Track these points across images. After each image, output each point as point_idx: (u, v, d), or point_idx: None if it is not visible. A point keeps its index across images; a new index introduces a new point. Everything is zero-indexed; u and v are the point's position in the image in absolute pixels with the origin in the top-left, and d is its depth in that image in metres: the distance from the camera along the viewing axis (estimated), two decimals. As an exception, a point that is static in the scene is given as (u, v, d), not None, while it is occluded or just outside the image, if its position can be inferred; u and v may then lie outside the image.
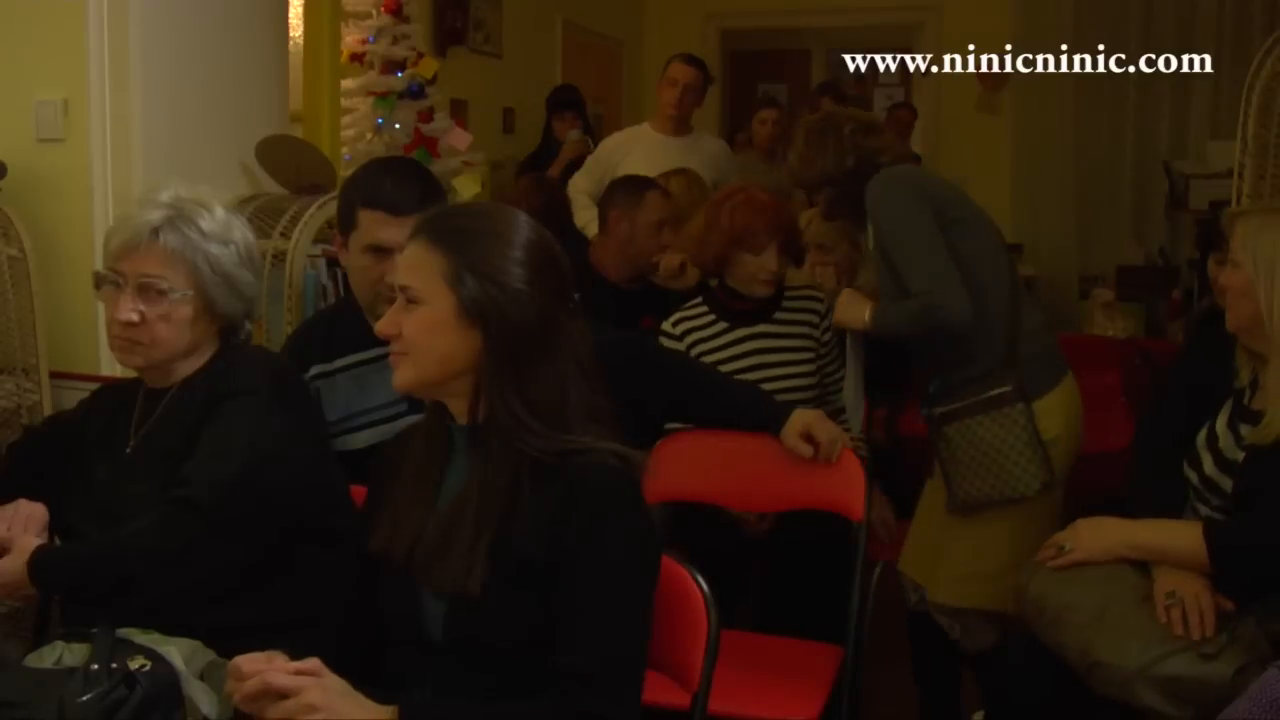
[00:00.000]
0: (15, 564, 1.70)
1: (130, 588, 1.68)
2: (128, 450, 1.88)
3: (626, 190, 3.37)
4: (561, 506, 1.46)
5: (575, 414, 1.52)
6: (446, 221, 1.56)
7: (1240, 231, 2.01)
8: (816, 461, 2.32)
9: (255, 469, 1.75)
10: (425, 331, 1.51)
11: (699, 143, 4.50)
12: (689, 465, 2.44)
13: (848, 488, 2.34)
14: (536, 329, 1.51)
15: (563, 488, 1.47)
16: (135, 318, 1.81)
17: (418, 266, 1.52)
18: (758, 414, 2.40)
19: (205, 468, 1.74)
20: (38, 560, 1.71)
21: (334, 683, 1.37)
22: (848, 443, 2.36)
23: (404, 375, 1.55)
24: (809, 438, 2.32)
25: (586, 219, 4.19)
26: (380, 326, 1.55)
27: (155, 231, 1.82)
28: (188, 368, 1.89)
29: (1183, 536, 1.95)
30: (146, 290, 1.82)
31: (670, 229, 3.28)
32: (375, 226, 2.09)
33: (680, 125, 4.44)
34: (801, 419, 2.35)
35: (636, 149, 4.33)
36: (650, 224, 3.27)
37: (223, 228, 1.88)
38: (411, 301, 1.52)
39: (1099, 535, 2.03)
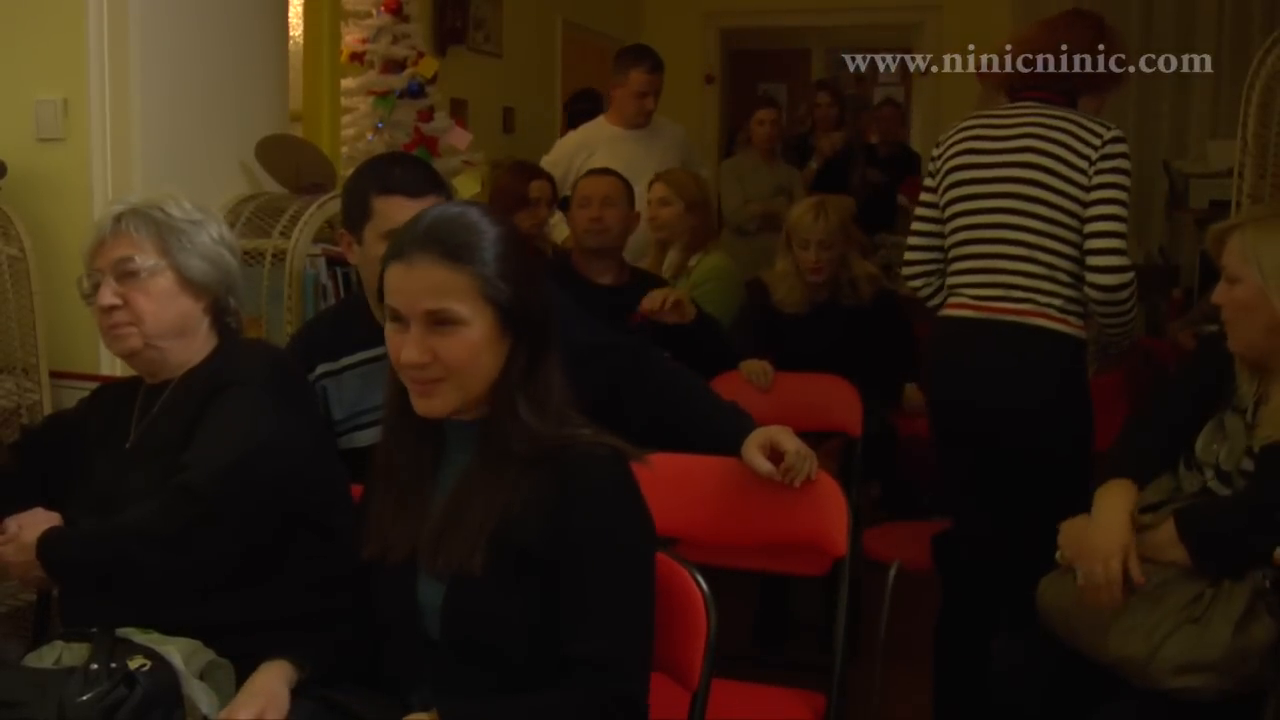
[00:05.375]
0: (26, 540, 1.73)
1: (128, 571, 1.69)
2: (127, 445, 1.89)
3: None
4: (558, 499, 1.47)
5: (563, 405, 1.54)
6: (454, 237, 1.49)
7: (1235, 246, 1.96)
8: (780, 482, 2.04)
9: (253, 456, 1.76)
10: (472, 354, 1.48)
11: (660, 130, 4.41)
12: (647, 495, 2.24)
13: (827, 518, 2.07)
14: (547, 324, 1.53)
15: (558, 479, 1.48)
16: (117, 301, 1.84)
17: (446, 288, 1.46)
18: (730, 434, 2.12)
19: (204, 455, 1.75)
20: (46, 538, 1.73)
21: None
22: (812, 471, 2.07)
23: (446, 401, 1.50)
24: (771, 451, 2.06)
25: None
26: (411, 357, 1.48)
27: (118, 220, 1.87)
28: (185, 358, 1.90)
29: (1160, 531, 1.93)
30: (121, 274, 1.85)
31: (600, 205, 3.27)
32: (395, 210, 2.07)
33: (643, 120, 4.38)
34: (764, 431, 2.08)
35: (599, 147, 4.26)
36: (579, 199, 3.32)
37: (191, 213, 1.91)
38: (445, 323, 1.47)
39: (1080, 539, 1.97)
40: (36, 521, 1.78)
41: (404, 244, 1.50)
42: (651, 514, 1.56)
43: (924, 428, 3.82)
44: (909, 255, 2.85)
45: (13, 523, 1.79)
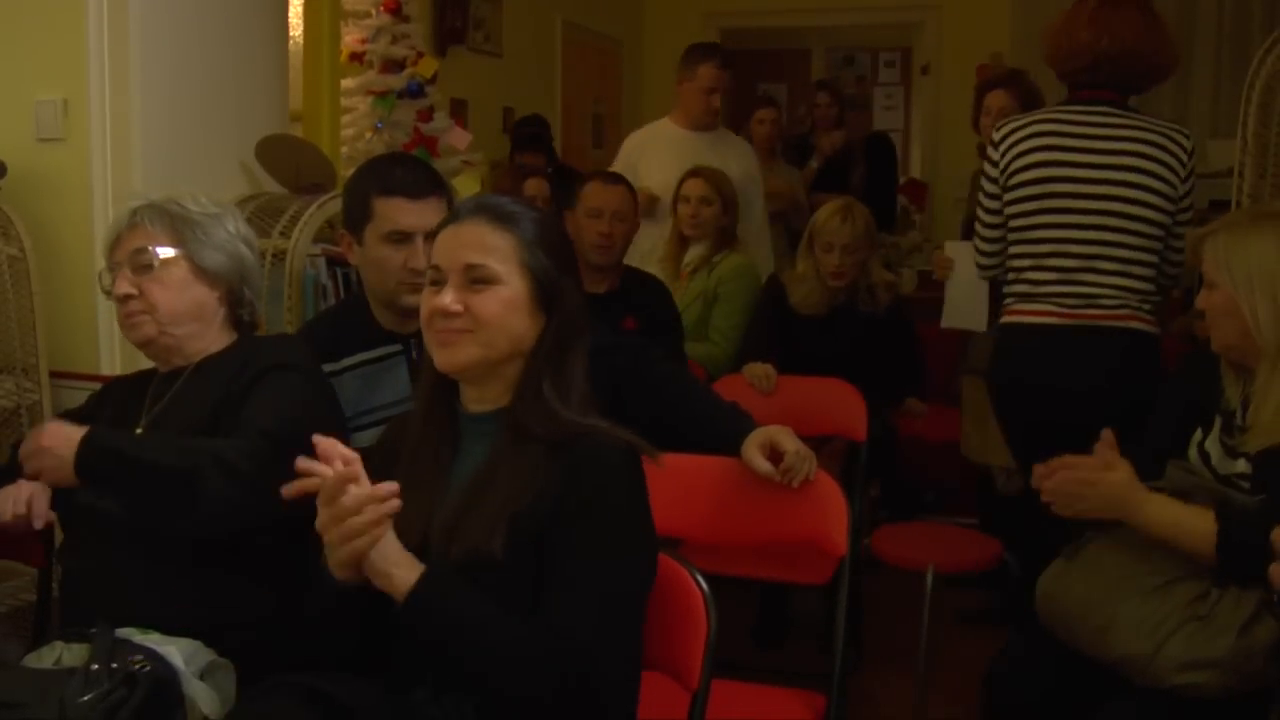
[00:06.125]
0: (71, 437, 1.76)
1: (189, 486, 1.69)
2: (139, 431, 1.91)
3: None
4: (565, 478, 1.49)
5: (584, 400, 1.56)
6: (503, 205, 1.58)
7: (1209, 253, 1.99)
8: (779, 482, 2.05)
9: (304, 421, 1.75)
10: (504, 310, 1.53)
11: (724, 138, 4.28)
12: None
13: (827, 518, 2.06)
14: (579, 318, 1.57)
15: (570, 462, 1.50)
16: (132, 290, 1.90)
17: (489, 246, 1.54)
18: (730, 434, 2.13)
19: (266, 415, 1.79)
20: (95, 431, 1.77)
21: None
22: (811, 471, 2.07)
23: (466, 353, 1.54)
24: (771, 452, 2.07)
25: None
26: (444, 302, 1.52)
27: (134, 214, 1.93)
28: (200, 346, 1.94)
29: (1200, 521, 1.85)
30: (136, 265, 1.91)
31: (611, 220, 3.21)
32: (395, 212, 2.11)
33: (710, 121, 4.22)
34: (764, 431, 2.09)
35: (658, 145, 4.16)
36: (588, 209, 3.24)
37: (207, 207, 1.97)
38: (482, 281, 1.53)
39: (1111, 500, 1.90)
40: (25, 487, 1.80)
41: (457, 212, 1.59)
42: (652, 516, 1.56)
43: (924, 430, 3.84)
44: (982, 258, 2.87)
45: (13, 492, 1.80)
